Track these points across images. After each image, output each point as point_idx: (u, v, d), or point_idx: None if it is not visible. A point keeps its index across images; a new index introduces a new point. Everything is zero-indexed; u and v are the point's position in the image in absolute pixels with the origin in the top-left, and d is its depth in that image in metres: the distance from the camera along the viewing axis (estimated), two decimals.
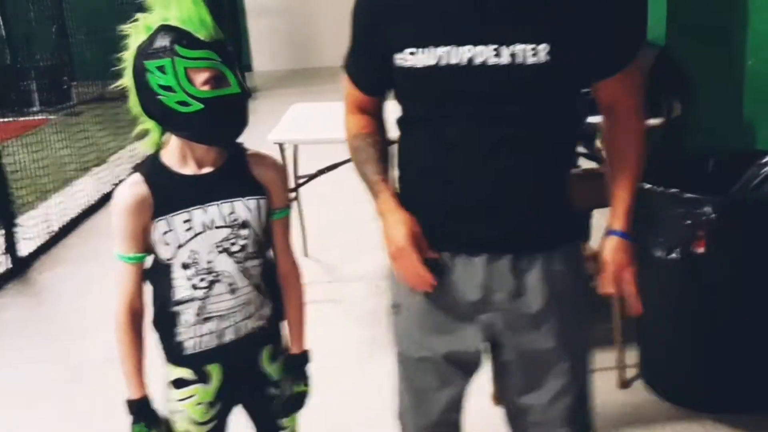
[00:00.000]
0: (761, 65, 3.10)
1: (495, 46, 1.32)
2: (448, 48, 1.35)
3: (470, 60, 1.34)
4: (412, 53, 1.38)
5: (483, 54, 1.33)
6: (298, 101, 4.19)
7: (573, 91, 1.43)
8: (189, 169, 1.53)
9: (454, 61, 1.34)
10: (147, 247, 1.53)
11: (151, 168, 1.54)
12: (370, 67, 1.52)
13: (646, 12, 1.34)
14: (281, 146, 3.37)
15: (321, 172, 3.73)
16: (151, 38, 1.43)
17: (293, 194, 3.55)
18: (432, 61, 1.36)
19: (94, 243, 4.09)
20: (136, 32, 1.46)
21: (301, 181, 3.66)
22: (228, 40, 1.50)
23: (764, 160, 2.60)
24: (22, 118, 6.64)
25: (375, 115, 1.59)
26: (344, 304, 3.37)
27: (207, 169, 1.54)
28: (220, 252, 1.53)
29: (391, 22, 1.42)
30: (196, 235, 1.52)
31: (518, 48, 1.31)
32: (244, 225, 1.55)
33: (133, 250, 1.52)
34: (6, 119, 6.19)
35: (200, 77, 1.42)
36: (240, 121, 1.50)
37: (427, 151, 1.46)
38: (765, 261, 2.35)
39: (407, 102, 1.48)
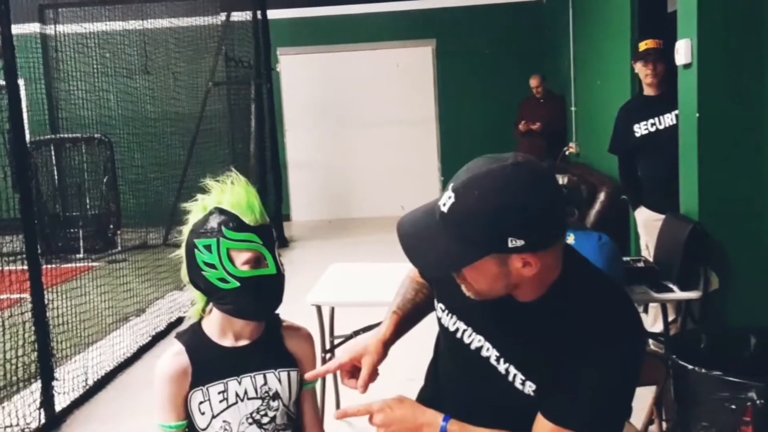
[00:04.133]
0: None
1: (497, 354, 1.41)
2: (466, 327, 1.46)
3: (478, 349, 1.43)
4: (442, 309, 1.53)
5: (488, 352, 1.42)
6: (333, 251, 4.26)
7: None
8: (228, 341, 1.62)
9: (467, 340, 1.45)
10: (186, 416, 1.59)
11: (193, 338, 1.63)
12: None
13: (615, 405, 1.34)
14: (319, 308, 3.43)
15: (356, 333, 3.75)
16: (205, 218, 1.55)
17: (328, 355, 3.55)
18: (452, 328, 1.49)
19: (129, 398, 4.08)
20: (195, 211, 1.59)
21: (337, 342, 3.67)
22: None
23: None
24: (66, 265, 6.81)
25: None
26: None
27: (244, 341, 1.62)
28: (251, 423, 1.59)
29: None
30: (229, 406, 1.58)
31: (512, 369, 1.38)
32: (275, 396, 1.61)
33: (174, 418, 1.58)
34: (51, 266, 6.35)
35: (241, 258, 1.53)
36: (274, 299, 1.60)
37: (441, 365, 1.58)
38: None
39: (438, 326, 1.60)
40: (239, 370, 1.59)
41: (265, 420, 1.60)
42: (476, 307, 1.41)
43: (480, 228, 1.22)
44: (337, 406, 3.74)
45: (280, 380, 1.62)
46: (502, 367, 1.39)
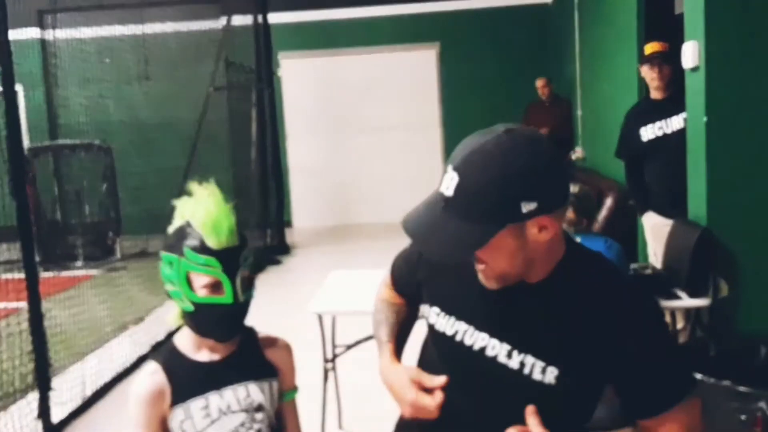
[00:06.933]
0: None
1: (509, 348, 1.33)
2: (467, 327, 1.38)
3: (483, 349, 1.36)
4: (437, 313, 1.45)
5: (496, 348, 1.35)
6: (335, 258, 4.22)
7: (579, 415, 1.38)
8: (203, 355, 1.57)
9: (468, 342, 1.38)
10: None
11: (168, 356, 1.58)
12: (409, 284, 1.60)
13: (675, 352, 1.37)
14: (320, 316, 3.38)
15: (358, 342, 3.69)
16: (176, 231, 1.51)
17: (330, 364, 3.50)
18: (450, 332, 1.41)
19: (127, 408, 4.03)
20: (175, 216, 1.55)
21: (338, 351, 3.62)
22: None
23: None
24: (65, 273, 6.77)
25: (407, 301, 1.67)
26: None
27: (220, 355, 1.58)
28: None
29: (430, 273, 1.49)
30: (213, 422, 1.52)
31: (529, 359, 1.32)
32: (259, 408, 1.56)
33: None
34: (49, 274, 6.31)
35: (199, 281, 1.48)
36: (228, 328, 1.54)
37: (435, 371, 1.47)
38: None
39: (429, 335, 1.52)
40: (219, 383, 1.55)
41: None
42: (478, 302, 1.37)
43: (491, 199, 1.21)
44: (339, 419, 3.69)
45: (263, 391, 1.58)
46: (515, 360, 1.32)
